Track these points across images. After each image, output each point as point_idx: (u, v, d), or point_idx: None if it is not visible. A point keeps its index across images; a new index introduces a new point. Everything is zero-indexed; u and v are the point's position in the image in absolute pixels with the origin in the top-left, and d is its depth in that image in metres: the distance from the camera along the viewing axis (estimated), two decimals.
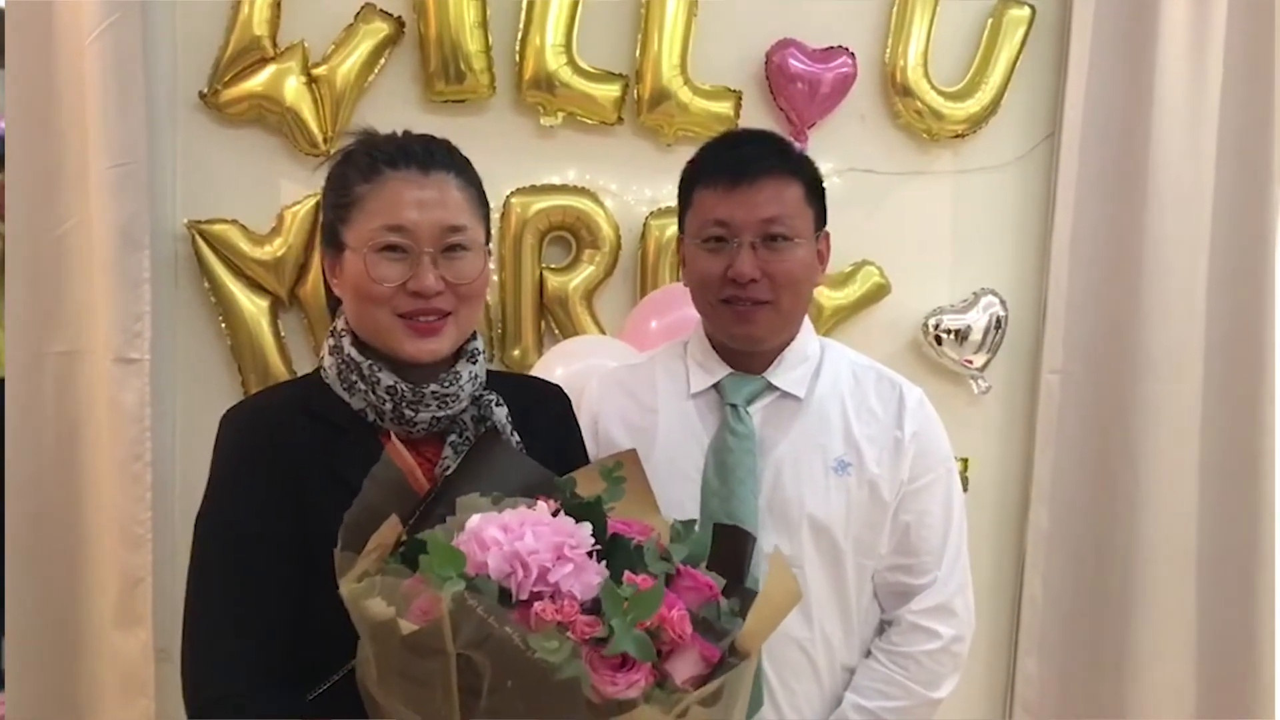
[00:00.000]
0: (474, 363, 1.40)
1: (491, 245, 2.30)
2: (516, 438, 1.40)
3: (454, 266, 1.35)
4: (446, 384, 1.36)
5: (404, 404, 1.34)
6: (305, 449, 1.33)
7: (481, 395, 1.40)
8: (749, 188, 1.55)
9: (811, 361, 1.66)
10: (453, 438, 1.38)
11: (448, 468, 1.33)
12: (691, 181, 1.63)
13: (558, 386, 1.59)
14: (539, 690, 1.01)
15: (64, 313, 2.18)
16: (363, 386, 1.35)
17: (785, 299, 1.58)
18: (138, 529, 2.16)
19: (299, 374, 2.27)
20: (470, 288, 1.37)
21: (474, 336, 1.43)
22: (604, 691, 1.02)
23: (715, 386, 1.64)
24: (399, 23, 2.30)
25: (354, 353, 1.36)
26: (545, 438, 1.44)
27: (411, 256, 1.32)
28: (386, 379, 1.34)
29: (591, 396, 1.67)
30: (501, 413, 1.40)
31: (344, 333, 1.39)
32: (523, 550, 1.07)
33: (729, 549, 1.24)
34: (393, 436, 1.31)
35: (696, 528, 1.27)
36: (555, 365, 2.06)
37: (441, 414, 1.36)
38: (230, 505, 1.33)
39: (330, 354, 1.39)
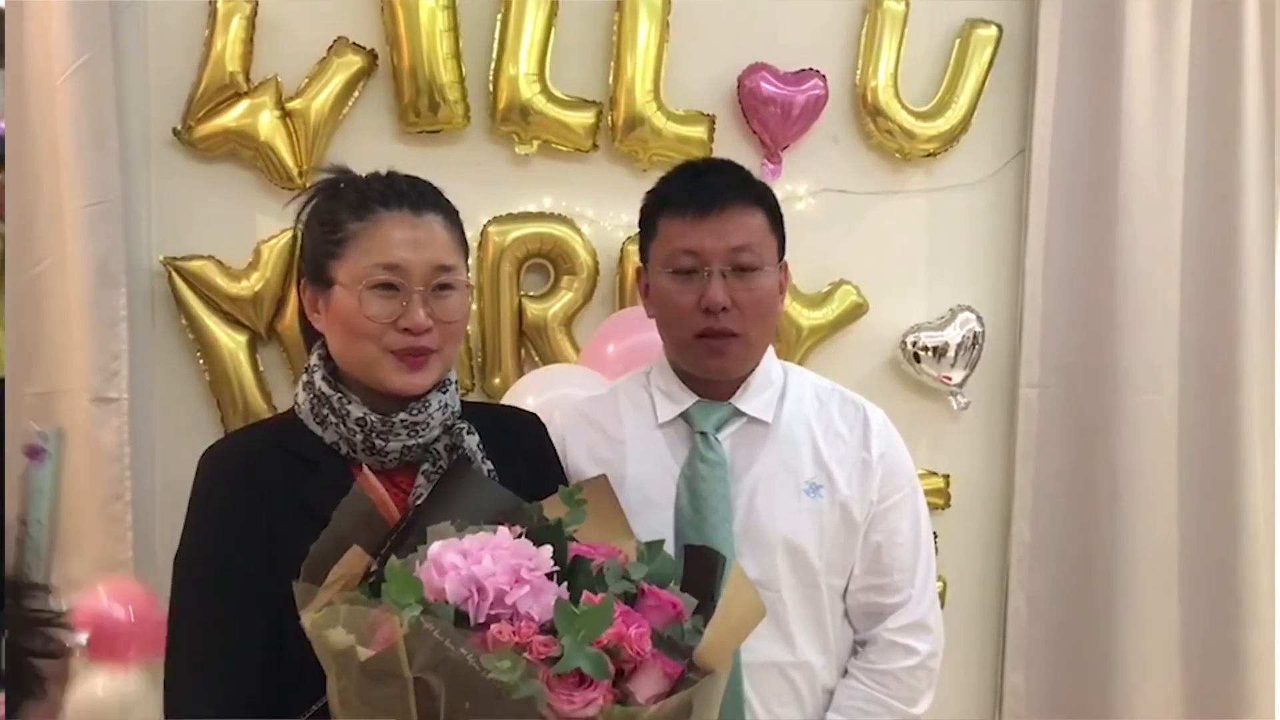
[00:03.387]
0: (445, 391, 1.42)
1: (470, 277, 2.35)
2: (489, 465, 1.41)
3: (442, 304, 1.38)
4: (415, 412, 1.38)
5: (374, 434, 1.36)
6: (279, 485, 1.35)
7: (454, 424, 1.42)
8: (718, 217, 1.56)
9: (776, 386, 1.67)
10: (426, 466, 1.39)
11: (420, 496, 1.34)
12: (656, 211, 1.63)
13: (533, 414, 1.61)
14: (496, 711, 1.01)
15: (41, 353, 2.18)
16: (333, 419, 1.37)
17: (753, 329, 1.59)
18: (119, 568, 2.15)
19: (279, 408, 2.29)
20: (455, 326, 1.41)
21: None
22: (560, 710, 1.03)
23: (683, 415, 1.64)
24: (372, 55, 2.31)
25: (324, 387, 1.38)
26: (520, 465, 1.46)
27: (403, 294, 1.35)
28: (356, 410, 1.37)
29: (556, 430, 1.66)
30: (473, 441, 1.42)
31: (315, 367, 1.41)
32: (480, 574, 1.08)
33: (699, 569, 1.25)
34: (365, 468, 1.32)
35: (670, 550, 1.28)
36: (526, 395, 2.06)
37: (412, 443, 1.38)
38: (204, 545, 1.35)
39: (303, 389, 1.42)
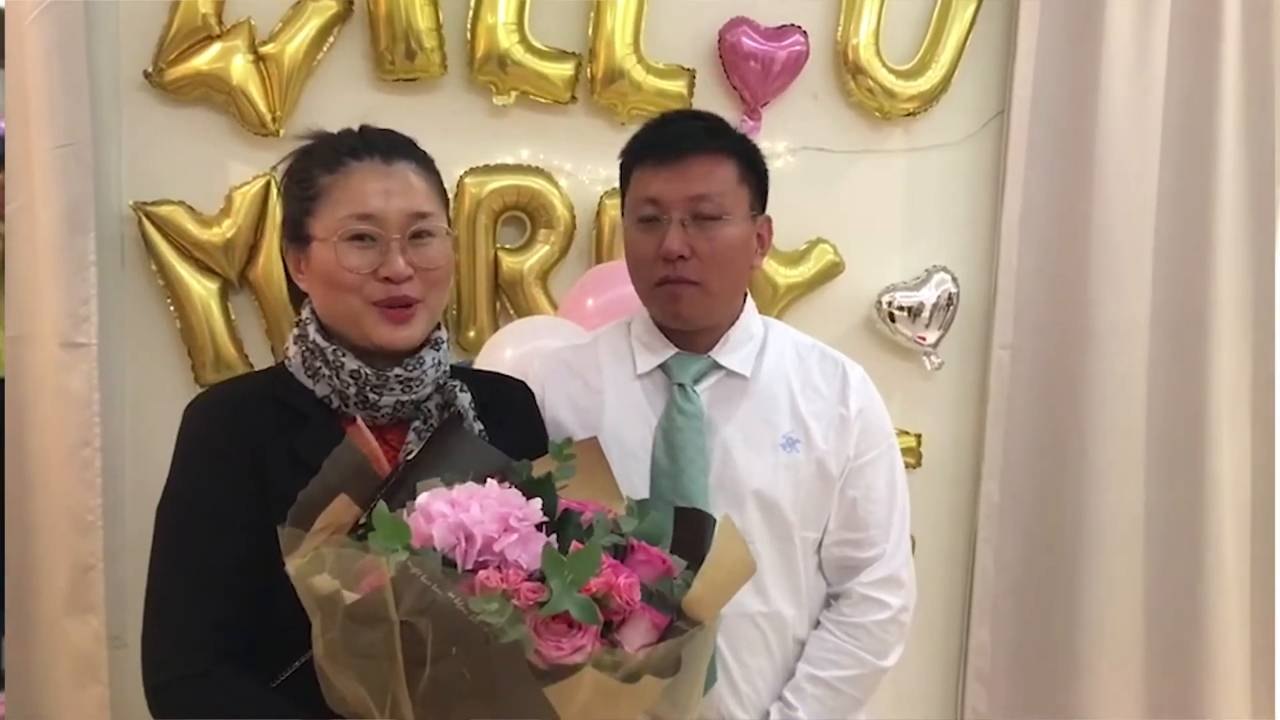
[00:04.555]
0: (438, 349, 1.42)
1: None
2: (480, 425, 1.41)
3: (422, 252, 1.37)
4: (410, 368, 1.38)
5: (368, 388, 1.36)
6: (269, 434, 1.34)
7: (446, 383, 1.42)
8: (676, 164, 1.56)
9: (756, 340, 1.68)
10: (417, 424, 1.39)
11: (411, 453, 1.34)
12: (629, 162, 1.64)
13: (522, 382, 1.61)
14: (483, 656, 1.02)
15: (8, 297, 2.14)
16: (327, 372, 1.36)
17: (714, 279, 1.58)
18: (88, 515, 2.13)
19: (250, 356, 2.28)
20: (438, 273, 1.39)
21: (438, 326, 1.45)
22: (549, 656, 1.03)
23: (662, 366, 1.65)
24: (348, 0, 2.27)
25: (319, 339, 1.38)
26: (508, 430, 1.45)
27: (380, 244, 1.34)
28: (351, 363, 1.36)
29: (535, 379, 1.67)
30: (465, 399, 1.41)
31: (308, 320, 1.40)
32: (468, 521, 1.08)
33: (689, 531, 1.25)
34: (359, 420, 1.32)
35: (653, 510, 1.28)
36: (505, 347, 2.06)
37: (405, 399, 1.38)
38: (193, 489, 1.33)
39: (295, 342, 1.41)
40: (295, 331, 1.42)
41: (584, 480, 1.27)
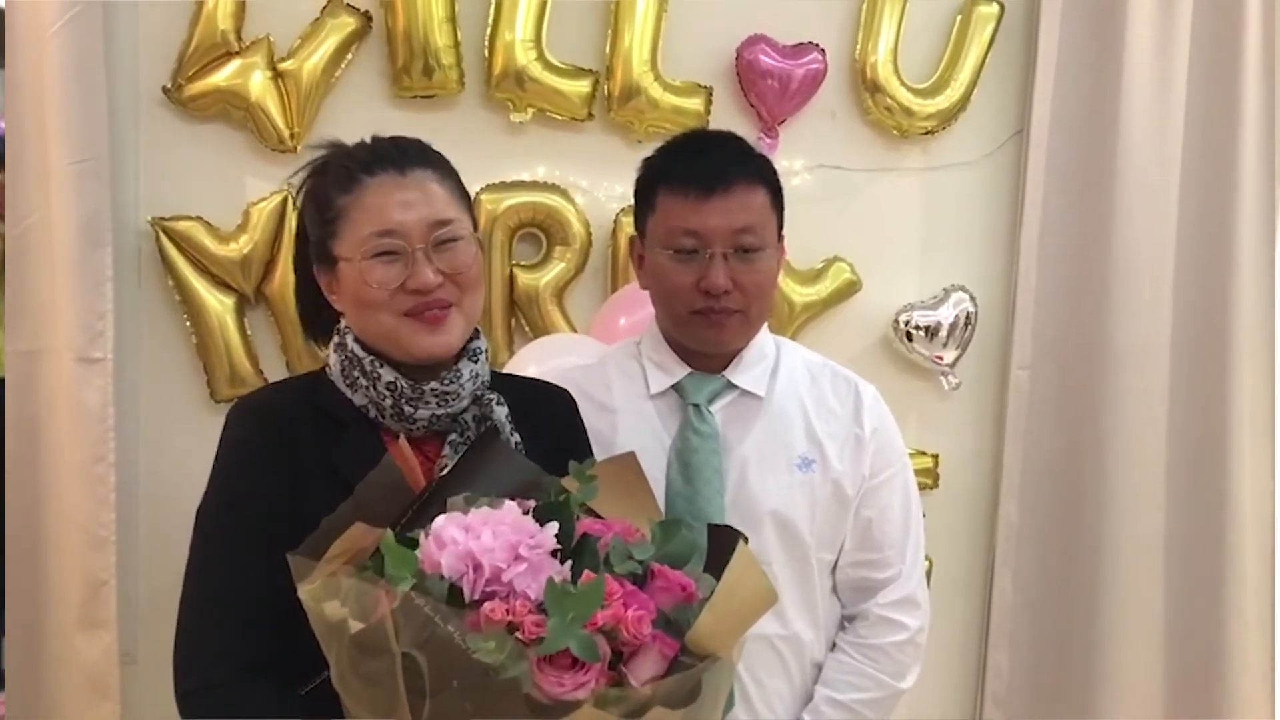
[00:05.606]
0: (475, 361, 1.41)
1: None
2: (517, 438, 1.40)
3: (448, 258, 1.36)
4: (447, 382, 1.37)
5: (404, 400, 1.35)
6: (308, 443, 1.34)
7: (483, 394, 1.41)
8: (722, 197, 1.54)
9: (769, 360, 1.68)
10: (453, 437, 1.39)
11: (445, 467, 1.34)
12: (654, 184, 1.61)
13: (565, 390, 1.58)
14: (483, 690, 1.00)
15: (25, 310, 2.14)
16: (364, 382, 1.36)
17: (755, 307, 1.59)
18: (101, 531, 2.13)
19: (265, 372, 2.27)
20: (468, 276, 1.38)
21: (477, 335, 1.44)
22: (550, 692, 1.01)
23: (675, 387, 1.64)
24: (366, 17, 2.27)
25: (357, 348, 1.38)
26: (547, 439, 1.44)
27: (405, 257, 1.34)
28: (387, 375, 1.35)
29: None
30: (502, 412, 1.40)
31: (347, 330, 1.40)
32: (477, 550, 1.06)
33: (724, 550, 1.21)
34: (401, 438, 1.31)
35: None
36: (529, 364, 2.05)
37: (441, 412, 1.37)
38: (231, 500, 1.34)
39: (335, 351, 1.41)
40: (335, 340, 1.42)
41: (620, 497, 1.25)
